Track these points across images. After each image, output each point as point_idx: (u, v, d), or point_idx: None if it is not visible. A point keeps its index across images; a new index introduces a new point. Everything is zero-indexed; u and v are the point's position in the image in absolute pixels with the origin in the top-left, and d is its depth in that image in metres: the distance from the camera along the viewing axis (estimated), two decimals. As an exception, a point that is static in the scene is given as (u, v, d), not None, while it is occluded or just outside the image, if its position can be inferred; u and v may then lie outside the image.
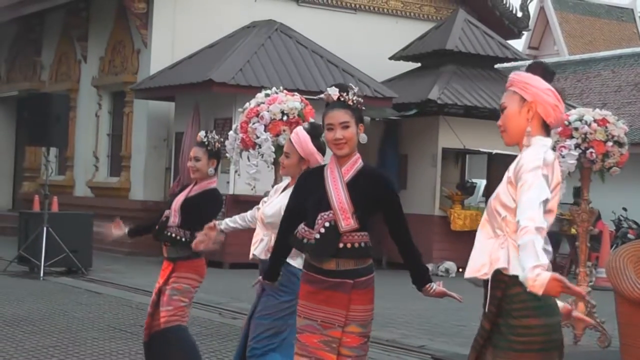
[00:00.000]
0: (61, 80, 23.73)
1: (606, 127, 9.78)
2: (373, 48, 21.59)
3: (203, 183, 6.99)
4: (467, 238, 19.43)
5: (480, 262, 4.01)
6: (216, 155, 7.03)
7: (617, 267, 8.94)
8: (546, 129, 4.07)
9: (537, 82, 4.06)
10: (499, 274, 3.96)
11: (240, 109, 9.17)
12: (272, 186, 9.57)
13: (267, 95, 9.04)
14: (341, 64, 19.18)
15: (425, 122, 19.88)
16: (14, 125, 26.61)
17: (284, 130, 8.54)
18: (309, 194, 4.87)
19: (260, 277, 5.25)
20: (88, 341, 9.36)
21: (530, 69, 4.14)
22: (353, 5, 22.49)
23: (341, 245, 4.74)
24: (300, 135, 5.96)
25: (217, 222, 6.64)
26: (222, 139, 7.17)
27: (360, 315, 4.84)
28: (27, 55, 25.42)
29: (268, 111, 8.69)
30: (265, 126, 8.59)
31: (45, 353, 8.71)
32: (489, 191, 21.61)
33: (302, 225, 4.84)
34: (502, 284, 3.97)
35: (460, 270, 19.06)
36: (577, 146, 9.78)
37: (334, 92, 4.84)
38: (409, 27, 22.66)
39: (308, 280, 4.85)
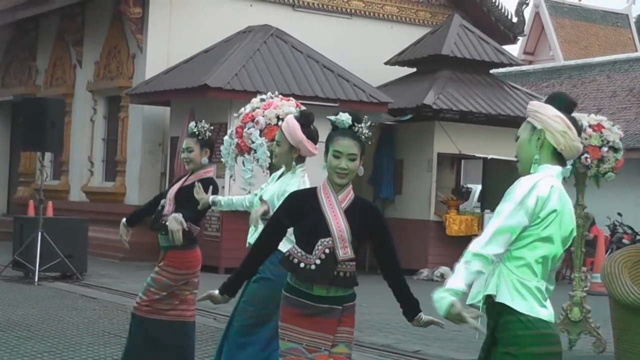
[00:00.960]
0: (56, 85, 23.70)
1: (601, 133, 9.79)
2: (368, 53, 21.61)
3: (199, 172, 7.02)
4: (462, 243, 19.37)
5: (477, 289, 4.03)
6: (208, 144, 7.06)
7: (612, 273, 8.94)
8: (559, 158, 4.06)
9: (547, 110, 4.04)
10: (492, 303, 3.96)
11: (235, 114, 9.16)
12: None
13: (262, 100, 9.04)
14: (336, 69, 19.19)
15: (421, 127, 19.89)
16: (9, 130, 26.58)
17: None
18: (302, 214, 4.76)
19: (213, 291, 4.86)
20: (83, 347, 9.34)
21: (548, 99, 4.14)
22: (348, 10, 22.50)
23: (335, 273, 4.67)
24: (290, 124, 6.02)
25: (212, 197, 6.66)
26: (212, 128, 7.20)
27: (347, 336, 4.80)
28: (22, 60, 25.39)
29: (263, 116, 8.68)
30: (261, 131, 8.57)
31: (40, 358, 8.69)
32: (484, 196, 21.63)
33: (296, 249, 4.72)
34: (495, 312, 3.97)
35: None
36: (572, 151, 9.77)
37: (347, 119, 4.75)
38: (405, 32, 22.68)
39: (293, 304, 4.74)
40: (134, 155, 20.49)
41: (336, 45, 20.99)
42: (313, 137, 6.01)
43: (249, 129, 8.44)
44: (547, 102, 4.11)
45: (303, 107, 8.79)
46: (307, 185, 5.96)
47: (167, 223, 6.80)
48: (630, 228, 22.60)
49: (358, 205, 4.79)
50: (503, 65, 21.87)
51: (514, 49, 36.62)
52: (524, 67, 30.94)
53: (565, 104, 4.08)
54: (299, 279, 4.72)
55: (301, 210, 4.77)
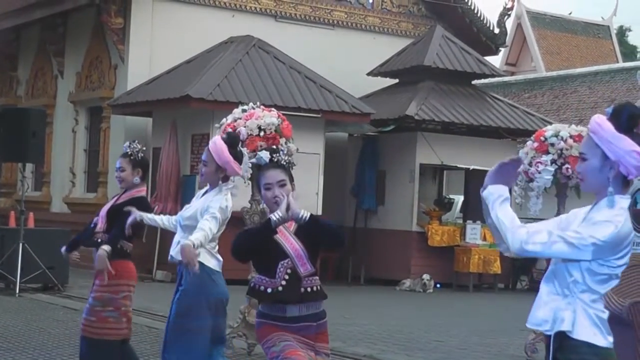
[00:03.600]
0: (38, 96, 23.64)
1: (582, 143, 9.81)
2: (351, 64, 21.62)
3: (132, 191, 7.17)
4: (444, 254, 19.47)
5: (543, 317, 3.98)
6: (140, 164, 7.20)
7: (594, 283, 8.95)
8: (627, 183, 4.01)
9: (623, 143, 3.90)
10: (561, 333, 3.93)
11: (217, 125, 9.18)
12: (249, 202, 9.58)
13: (244, 110, 9.05)
14: (319, 80, 19.19)
15: (403, 138, 19.92)
16: (-10, 141, 26.44)
17: (260, 146, 8.54)
18: (256, 249, 4.98)
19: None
20: (64, 358, 9.30)
21: (613, 113, 3.97)
22: (331, 21, 22.53)
23: (302, 290, 4.96)
24: (217, 145, 6.18)
25: (139, 213, 6.76)
26: (144, 148, 7.33)
27: (326, 350, 5.07)
28: (3, 70, 25.31)
29: (245, 127, 8.69)
30: (242, 142, 8.58)
31: (20, 370, 8.64)
32: (466, 207, 21.67)
33: (259, 277, 5.00)
34: (559, 334, 3.93)
35: (438, 285, 19.07)
36: (553, 162, 9.82)
37: (264, 155, 5.13)
38: (387, 43, 22.72)
39: (270, 324, 4.97)
40: (116, 166, 20.42)
41: (319, 56, 21.00)
42: (239, 158, 6.21)
43: (230, 139, 8.43)
44: (611, 116, 3.96)
45: (285, 118, 8.80)
46: (230, 204, 6.21)
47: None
48: (612, 238, 22.66)
49: (304, 224, 5.03)
50: (485, 76, 21.93)
51: (496, 60, 36.73)
52: (506, 78, 31.04)
53: (629, 122, 3.94)
54: (270, 302, 4.98)
55: (254, 246, 4.99)
